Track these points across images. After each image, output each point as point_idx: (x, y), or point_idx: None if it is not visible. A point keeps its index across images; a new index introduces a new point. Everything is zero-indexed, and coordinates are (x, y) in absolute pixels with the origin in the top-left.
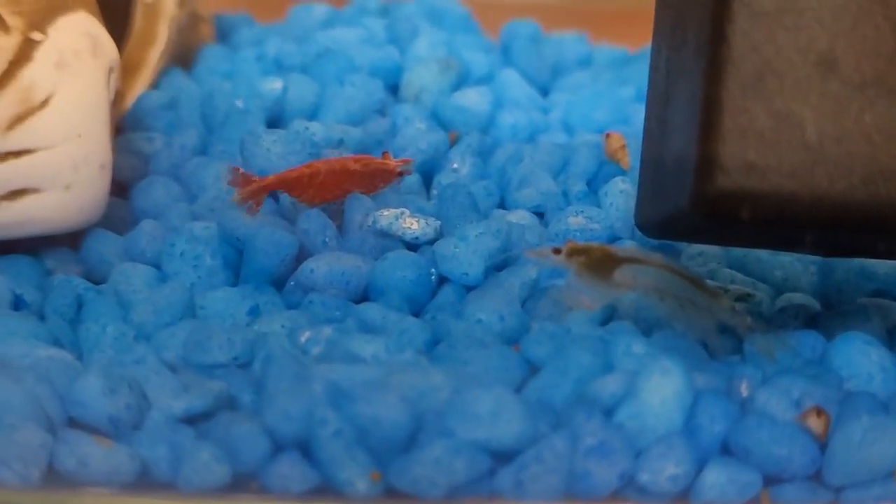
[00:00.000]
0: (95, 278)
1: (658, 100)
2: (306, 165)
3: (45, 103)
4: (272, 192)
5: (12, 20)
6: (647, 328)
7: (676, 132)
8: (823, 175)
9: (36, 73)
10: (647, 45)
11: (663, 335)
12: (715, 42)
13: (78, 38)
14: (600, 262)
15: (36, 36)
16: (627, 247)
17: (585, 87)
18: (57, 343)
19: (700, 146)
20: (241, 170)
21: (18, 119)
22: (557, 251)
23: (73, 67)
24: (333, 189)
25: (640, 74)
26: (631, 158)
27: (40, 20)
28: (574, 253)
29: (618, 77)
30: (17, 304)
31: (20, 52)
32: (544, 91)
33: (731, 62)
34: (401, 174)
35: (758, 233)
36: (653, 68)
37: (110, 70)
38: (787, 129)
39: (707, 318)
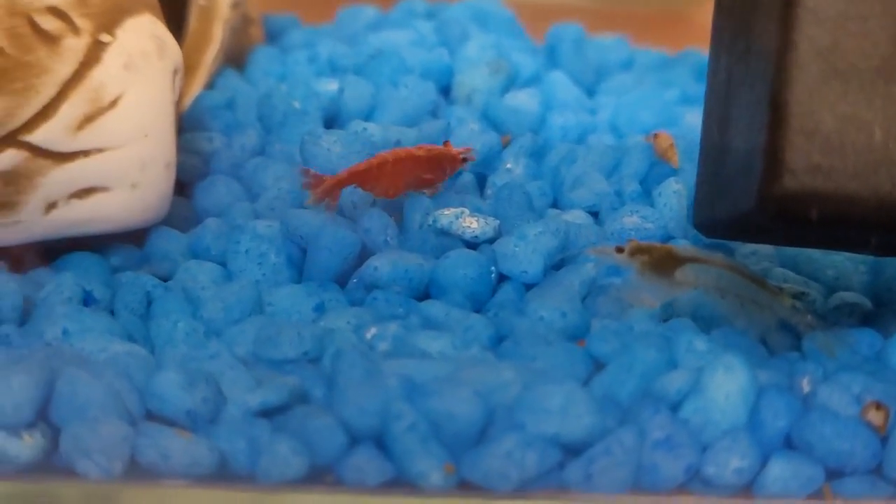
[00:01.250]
0: (160, 275)
1: (718, 104)
2: (374, 157)
3: (113, 104)
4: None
5: (82, 22)
6: (706, 325)
7: (740, 135)
8: (887, 177)
9: (105, 75)
10: (685, 48)
11: (724, 332)
12: (782, 48)
13: (145, 40)
14: (662, 261)
15: (105, 38)
16: (688, 246)
17: (630, 90)
18: (130, 338)
19: (767, 148)
20: (312, 171)
21: (88, 119)
22: (620, 249)
23: (141, 69)
24: (405, 177)
25: (682, 77)
26: (679, 157)
27: (108, 22)
28: (637, 251)
29: (660, 80)
30: (87, 300)
31: (90, 54)
32: (589, 93)
33: (797, 67)
34: (464, 160)
35: (822, 233)
36: (711, 73)
37: (175, 72)
38: (852, 131)
39: (768, 315)
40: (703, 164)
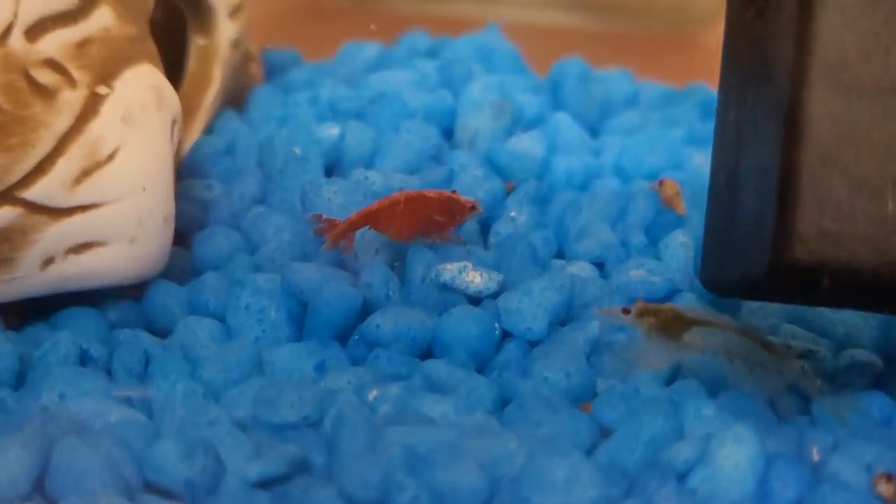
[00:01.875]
0: (158, 329)
1: (727, 158)
2: (386, 198)
3: (111, 157)
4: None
5: (79, 74)
6: (713, 387)
7: (749, 195)
8: None
9: (103, 128)
10: (691, 76)
11: (731, 396)
12: (793, 109)
13: (143, 91)
14: (670, 324)
15: (102, 90)
16: (696, 308)
17: (635, 129)
18: (128, 401)
19: (777, 214)
20: (323, 215)
21: (85, 173)
22: (627, 311)
23: (139, 121)
24: (418, 218)
25: (688, 115)
26: (686, 204)
27: (106, 73)
28: (644, 313)
29: (666, 117)
30: (84, 358)
31: (87, 107)
32: (594, 131)
33: (809, 131)
34: (473, 208)
35: (834, 297)
36: (720, 123)
37: (174, 122)
38: (864, 199)
39: (776, 379)
40: (711, 219)
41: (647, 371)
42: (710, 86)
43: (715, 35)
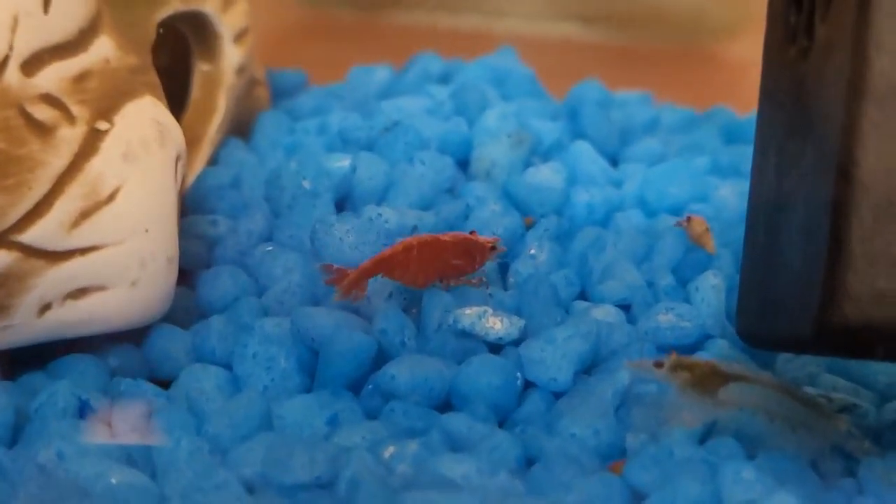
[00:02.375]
0: (161, 376)
1: (766, 206)
2: (398, 243)
3: (111, 197)
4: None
5: (77, 109)
6: (751, 447)
7: (793, 247)
8: None
9: (103, 166)
10: (709, 94)
11: (771, 457)
12: (846, 160)
13: (145, 126)
14: (705, 379)
15: (102, 126)
16: (733, 362)
17: (657, 156)
18: (129, 459)
19: (826, 270)
20: (334, 266)
21: (84, 215)
22: (660, 365)
23: (141, 158)
24: (433, 263)
25: (711, 140)
26: (715, 241)
27: (106, 108)
28: (678, 367)
29: (688, 143)
30: (83, 409)
31: (86, 144)
32: (614, 159)
33: (863, 184)
34: (493, 248)
35: (885, 355)
36: (758, 168)
37: (177, 158)
38: None
39: (820, 439)
40: (749, 269)
41: (680, 428)
42: (730, 106)
43: (731, 49)
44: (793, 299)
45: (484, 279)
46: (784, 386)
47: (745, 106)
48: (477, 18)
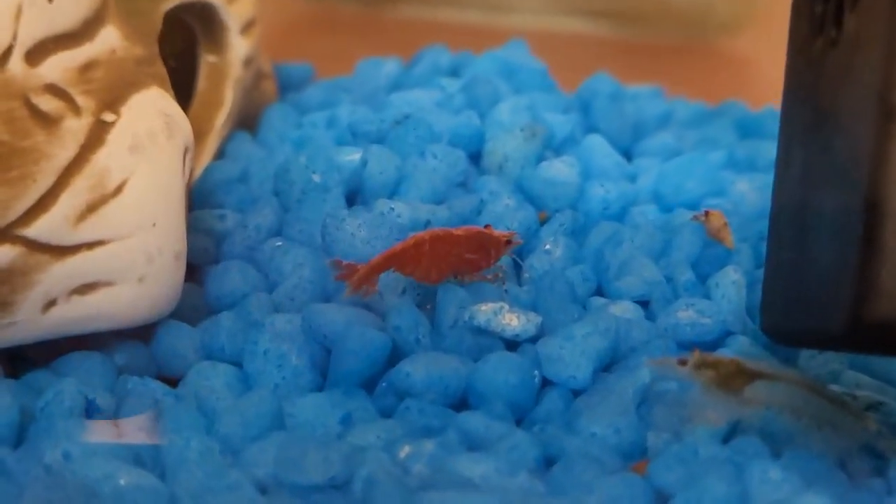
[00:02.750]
0: (169, 374)
1: (793, 200)
2: (409, 238)
3: (118, 190)
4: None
5: (83, 100)
6: (776, 445)
7: (822, 242)
8: None
9: (109, 158)
10: (711, 91)
11: (798, 456)
12: (879, 158)
13: (152, 117)
14: (731, 377)
15: (108, 117)
16: (758, 360)
17: (671, 151)
18: (138, 459)
19: (858, 266)
20: (343, 261)
21: (90, 208)
22: (683, 362)
23: (148, 150)
24: (446, 258)
25: (725, 134)
26: (733, 236)
27: (112, 99)
28: (702, 365)
29: (702, 138)
30: (90, 409)
31: (92, 136)
32: (627, 153)
33: (894, 180)
34: (509, 242)
35: None
36: (782, 164)
37: (185, 151)
38: None
39: (848, 438)
40: (774, 264)
41: (704, 428)
42: (742, 101)
43: (737, 43)
44: (823, 295)
45: (501, 275)
46: (811, 383)
47: (752, 99)
48: (481, 13)
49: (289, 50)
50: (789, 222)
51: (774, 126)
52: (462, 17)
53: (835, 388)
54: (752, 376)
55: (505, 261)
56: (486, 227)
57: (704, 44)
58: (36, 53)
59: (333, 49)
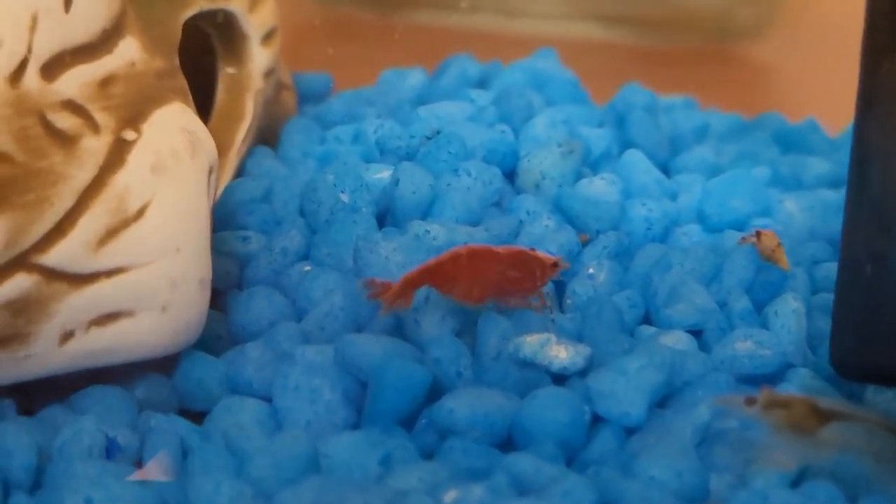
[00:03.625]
0: (193, 408)
1: (868, 225)
2: (446, 252)
3: (140, 214)
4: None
5: (102, 117)
6: (851, 490)
7: None
8: None
9: (130, 179)
10: (732, 99)
11: (875, 502)
12: None
13: (175, 135)
14: (803, 418)
15: (129, 135)
16: (832, 399)
17: (711, 166)
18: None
19: None
20: (374, 279)
21: (110, 233)
22: (752, 401)
23: (171, 170)
24: (487, 277)
25: (766, 149)
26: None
27: (133, 116)
28: (772, 405)
29: (742, 152)
30: (111, 448)
31: (112, 155)
32: (665, 169)
33: None
34: (555, 265)
35: None
36: (856, 182)
37: (210, 170)
38: None
39: None
40: (846, 296)
41: (771, 470)
42: (782, 117)
43: (758, 49)
44: None
45: (549, 303)
46: (891, 424)
47: (774, 106)
48: (497, 19)
49: (302, 57)
50: (864, 249)
51: (816, 139)
52: (478, 23)
53: None
54: (827, 417)
55: (548, 288)
56: (531, 249)
57: (725, 49)
58: (52, 67)
59: (348, 56)
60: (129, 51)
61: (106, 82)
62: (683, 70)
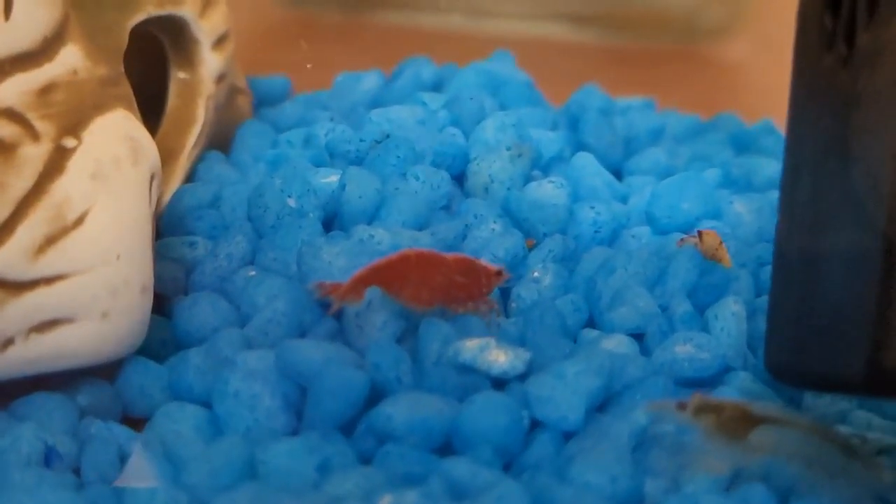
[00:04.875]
0: (135, 414)
1: (800, 231)
2: (395, 253)
3: (79, 221)
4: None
5: (42, 125)
6: (782, 494)
7: (835, 280)
8: None
9: (69, 187)
10: (698, 99)
11: None
12: None
13: (116, 142)
14: (734, 422)
15: (69, 143)
16: (766, 404)
17: (664, 168)
18: None
19: (879, 307)
20: (324, 282)
21: (50, 241)
22: (683, 406)
23: (111, 178)
24: (436, 279)
25: (719, 150)
26: (731, 259)
27: (73, 124)
28: (703, 410)
29: (696, 153)
30: (49, 456)
31: (51, 163)
32: (618, 171)
33: None
34: (499, 274)
35: None
36: (788, 187)
37: (152, 177)
38: None
39: (860, 489)
40: (779, 299)
41: (705, 474)
42: (738, 117)
43: (725, 49)
44: (837, 336)
45: (496, 306)
46: (822, 429)
47: (742, 106)
48: (465, 19)
49: (266, 59)
50: (797, 252)
51: (770, 141)
52: (445, 24)
53: (843, 429)
54: (757, 421)
55: (494, 293)
56: (474, 257)
57: (692, 49)
58: None
59: (313, 57)
60: (71, 58)
61: (46, 90)
62: (650, 70)
